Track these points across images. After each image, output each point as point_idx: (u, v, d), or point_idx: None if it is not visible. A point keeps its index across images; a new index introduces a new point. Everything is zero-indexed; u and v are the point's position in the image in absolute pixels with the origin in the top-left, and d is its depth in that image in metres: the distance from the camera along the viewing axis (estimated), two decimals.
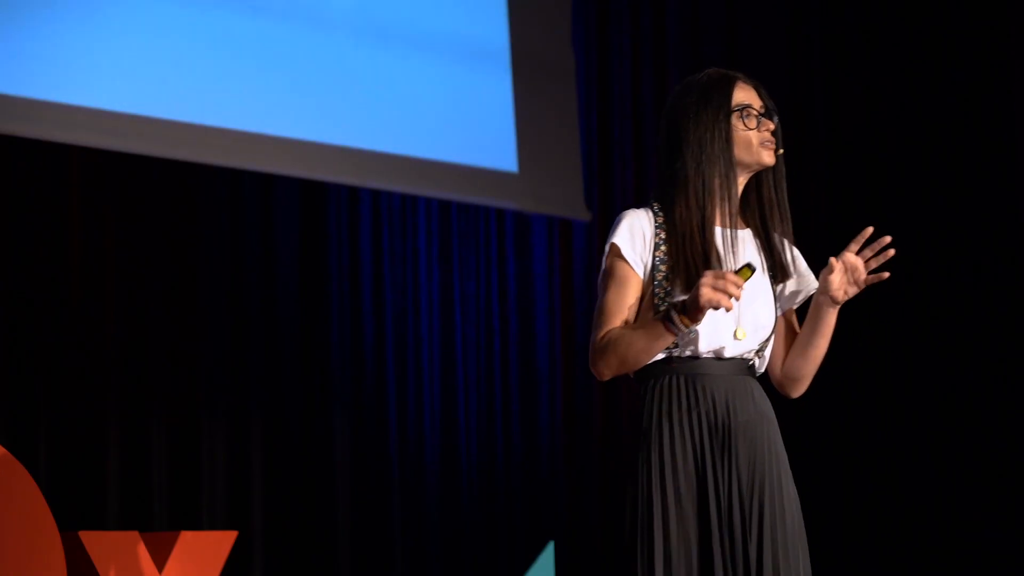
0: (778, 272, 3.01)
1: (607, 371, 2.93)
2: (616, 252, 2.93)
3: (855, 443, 6.34)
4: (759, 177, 3.02)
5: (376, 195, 6.72)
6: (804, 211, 6.57)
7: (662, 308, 2.87)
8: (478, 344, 6.95)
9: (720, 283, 2.72)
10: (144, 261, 6.09)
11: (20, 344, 5.79)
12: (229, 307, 6.32)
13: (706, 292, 2.72)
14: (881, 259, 2.95)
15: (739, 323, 2.91)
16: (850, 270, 2.95)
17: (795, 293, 3.07)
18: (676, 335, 2.81)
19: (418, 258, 6.86)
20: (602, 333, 2.92)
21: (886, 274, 2.95)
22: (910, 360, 6.26)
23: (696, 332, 2.88)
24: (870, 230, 2.93)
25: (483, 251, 7.01)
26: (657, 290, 2.91)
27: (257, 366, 6.35)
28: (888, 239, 2.93)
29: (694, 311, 2.76)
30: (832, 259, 2.95)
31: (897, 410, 6.27)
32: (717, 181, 2.94)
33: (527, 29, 6.73)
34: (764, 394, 2.98)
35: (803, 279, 3.07)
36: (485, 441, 6.90)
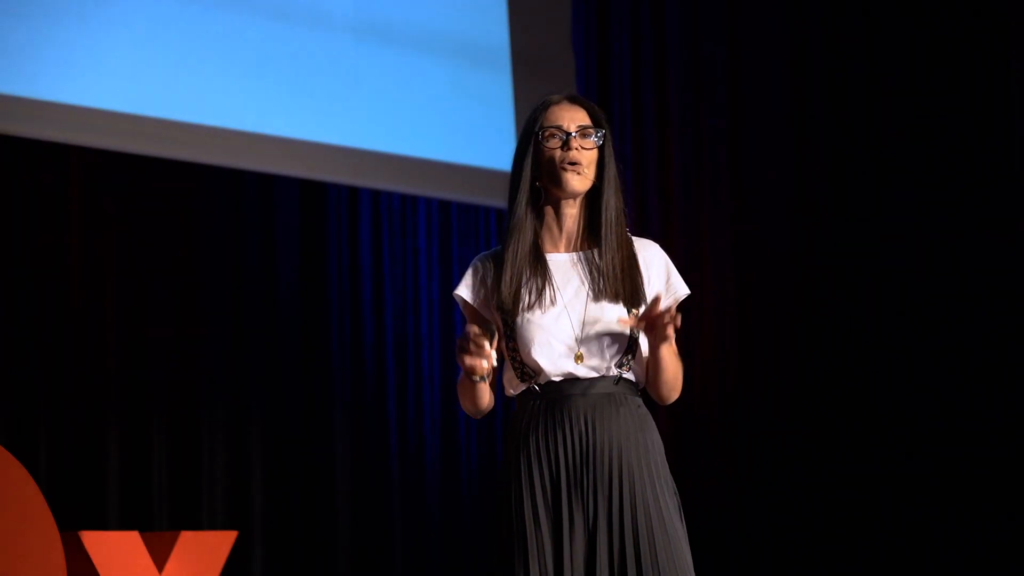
0: (627, 293, 2.95)
1: (467, 412, 2.97)
2: (461, 303, 3.00)
3: (852, 443, 6.34)
4: (591, 202, 2.97)
5: (376, 195, 6.72)
6: (805, 211, 6.57)
7: (516, 365, 2.93)
8: None
9: (463, 343, 2.80)
10: (144, 261, 6.09)
11: (20, 344, 5.79)
12: (229, 307, 6.32)
13: (457, 355, 2.82)
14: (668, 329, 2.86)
15: (579, 347, 2.91)
16: (652, 324, 2.87)
17: (656, 300, 2.98)
18: (473, 383, 2.86)
19: (418, 258, 6.86)
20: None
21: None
22: (908, 360, 6.26)
23: (537, 363, 2.90)
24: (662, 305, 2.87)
25: (483, 251, 7.00)
26: (506, 329, 2.94)
27: (257, 366, 6.36)
28: (672, 316, 2.84)
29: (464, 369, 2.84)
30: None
31: (894, 410, 6.27)
32: (528, 207, 2.94)
33: (527, 29, 6.73)
34: (636, 407, 2.95)
35: (670, 286, 3.01)
36: (485, 441, 6.90)
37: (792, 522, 6.39)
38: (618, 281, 2.95)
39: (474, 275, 2.99)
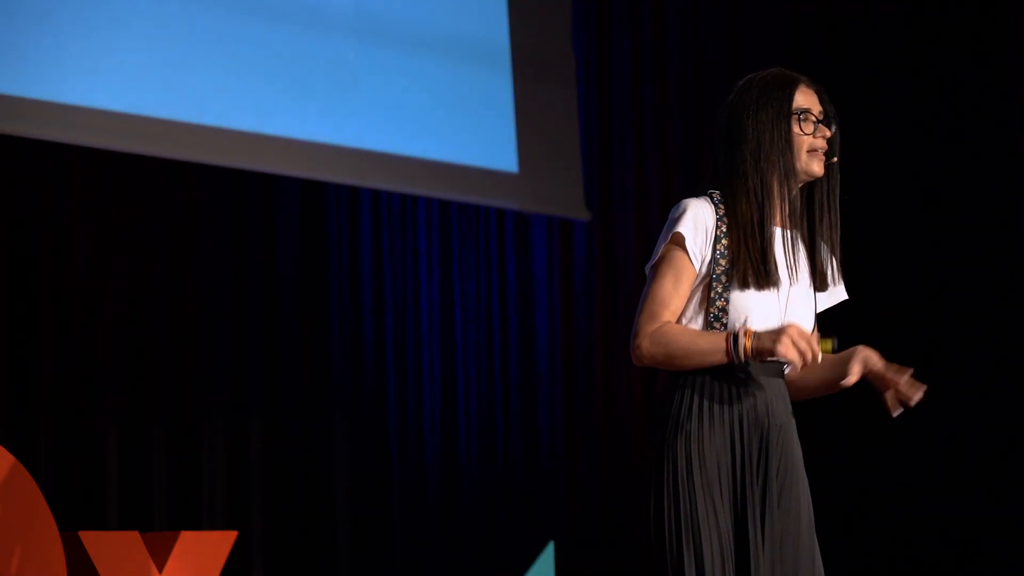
0: (818, 282, 3.03)
1: (650, 362, 2.90)
2: (679, 241, 2.91)
3: (851, 443, 6.35)
4: (812, 184, 3.02)
5: (376, 195, 6.72)
6: None
7: (717, 325, 2.89)
8: (478, 344, 6.95)
9: (803, 344, 2.78)
10: (144, 261, 6.09)
11: (20, 344, 5.79)
12: (229, 307, 6.32)
13: (787, 343, 2.78)
14: (901, 396, 2.93)
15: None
16: (878, 378, 2.95)
17: (827, 300, 3.09)
18: (732, 360, 2.84)
19: (418, 258, 6.86)
20: (657, 324, 2.89)
21: (895, 412, 2.93)
22: (908, 360, 6.25)
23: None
24: (908, 372, 2.91)
25: (483, 251, 7.01)
26: (715, 284, 2.91)
27: (257, 366, 6.36)
28: (921, 392, 2.90)
29: (764, 352, 2.81)
30: (855, 364, 2.94)
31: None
32: (776, 181, 2.95)
33: (527, 29, 6.73)
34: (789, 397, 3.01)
35: (836, 289, 3.09)
36: (485, 441, 6.90)
37: None
38: (823, 268, 3.02)
39: (695, 221, 2.92)
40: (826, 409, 6.31)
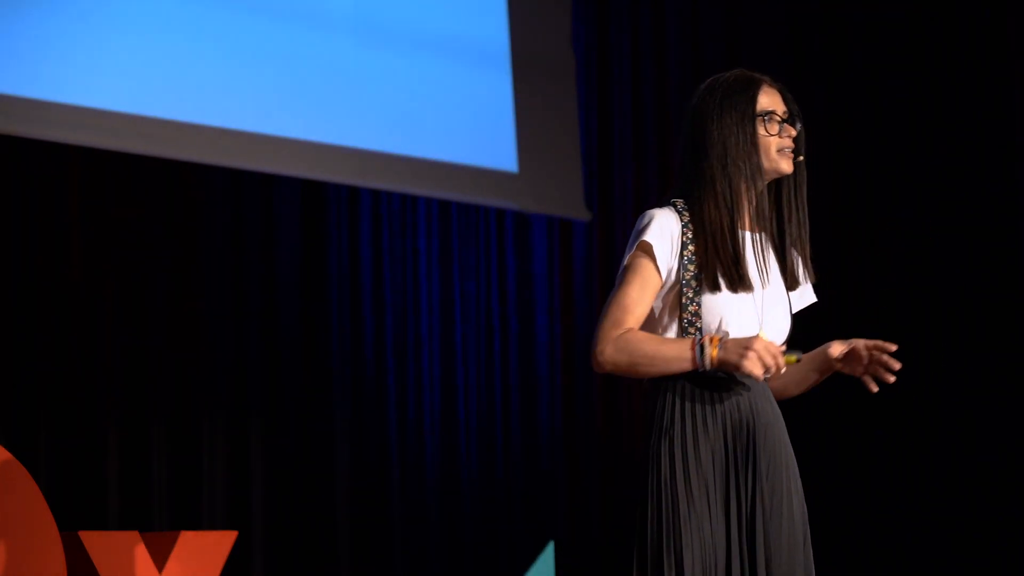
0: (789, 281, 3.03)
1: (612, 368, 2.91)
2: (646, 249, 2.91)
3: (850, 442, 6.34)
4: (779, 183, 3.01)
5: (376, 195, 6.72)
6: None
7: (692, 331, 2.88)
8: (478, 344, 6.95)
9: (768, 358, 2.78)
10: (144, 261, 6.09)
11: (20, 344, 5.79)
12: (229, 307, 6.32)
13: (752, 357, 2.78)
14: (880, 374, 2.98)
15: (762, 328, 2.92)
16: (855, 357, 2.99)
17: (798, 300, 3.08)
18: (697, 368, 2.83)
19: (418, 258, 6.85)
20: (620, 330, 2.89)
21: (874, 388, 2.98)
22: (909, 360, 6.26)
23: (725, 334, 2.88)
24: (893, 347, 2.94)
25: (483, 251, 7.01)
26: (685, 290, 2.90)
27: (257, 366, 6.36)
28: (897, 366, 2.95)
29: (729, 365, 2.80)
30: (837, 344, 3.00)
31: (895, 410, 6.27)
32: (744, 184, 2.94)
33: (527, 29, 6.73)
34: (774, 397, 3.00)
35: (805, 288, 3.08)
36: (485, 441, 6.90)
37: None
38: (793, 267, 3.02)
39: (661, 229, 2.92)
40: (823, 409, 6.32)
